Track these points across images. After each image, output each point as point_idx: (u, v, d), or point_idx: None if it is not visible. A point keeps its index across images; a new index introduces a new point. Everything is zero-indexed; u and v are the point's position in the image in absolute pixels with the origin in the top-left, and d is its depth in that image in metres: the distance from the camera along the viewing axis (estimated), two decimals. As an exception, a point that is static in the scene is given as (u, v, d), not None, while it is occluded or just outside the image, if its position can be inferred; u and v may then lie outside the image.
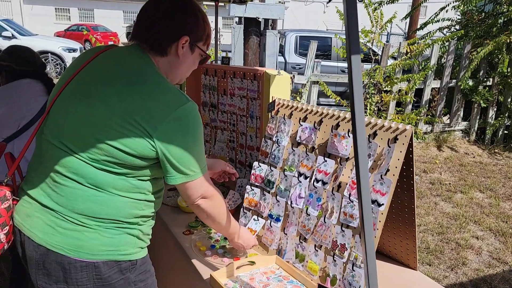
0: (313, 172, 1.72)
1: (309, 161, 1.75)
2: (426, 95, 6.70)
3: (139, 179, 1.30)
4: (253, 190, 1.95)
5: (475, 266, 3.39)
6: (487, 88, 6.92)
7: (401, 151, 1.48)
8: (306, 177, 1.75)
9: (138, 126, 1.22)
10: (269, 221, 1.85)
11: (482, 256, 3.55)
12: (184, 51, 1.37)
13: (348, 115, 1.66)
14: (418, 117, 6.35)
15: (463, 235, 3.86)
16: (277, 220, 1.82)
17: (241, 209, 2.00)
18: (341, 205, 1.59)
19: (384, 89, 6.04)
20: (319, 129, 1.75)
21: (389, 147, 1.50)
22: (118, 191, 1.28)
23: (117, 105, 1.24)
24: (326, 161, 1.68)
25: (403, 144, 1.48)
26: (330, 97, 5.68)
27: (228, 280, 1.62)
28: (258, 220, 1.87)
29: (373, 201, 1.49)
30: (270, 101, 1.99)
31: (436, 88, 6.86)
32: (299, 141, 1.81)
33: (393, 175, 1.48)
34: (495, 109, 7.05)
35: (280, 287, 1.60)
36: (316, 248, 1.63)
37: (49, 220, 1.28)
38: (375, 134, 1.56)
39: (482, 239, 3.83)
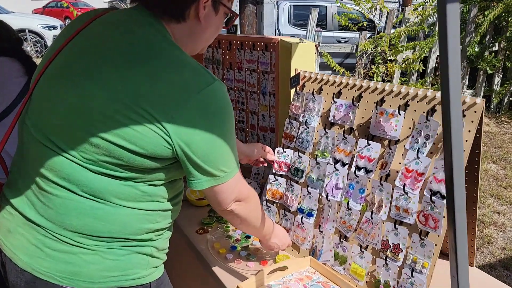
0: (352, 158, 1.44)
1: (347, 145, 1.46)
2: (432, 63, 6.41)
3: (151, 185, 1.01)
4: (277, 180, 1.67)
5: (501, 244, 3.19)
6: (492, 54, 6.64)
7: (469, 131, 1.20)
8: (344, 164, 1.46)
9: (147, 116, 0.91)
10: (299, 216, 1.57)
11: (507, 233, 3.35)
12: (206, 12, 1.04)
13: (396, 88, 1.36)
14: (424, 87, 6.07)
15: (484, 211, 3.65)
16: (309, 215, 1.55)
17: (263, 202, 1.72)
18: (391, 198, 1.31)
19: (389, 58, 5.73)
20: (358, 106, 1.45)
21: (455, 126, 1.21)
22: (123, 201, 0.98)
23: (119, 87, 0.93)
24: (369, 144, 1.39)
25: (472, 121, 1.20)
26: (334, 69, 5.36)
27: (258, 291, 1.36)
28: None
29: (435, 193, 1.22)
30: (293, 74, 1.68)
31: (441, 55, 6.54)
32: (332, 121, 1.52)
33: (460, 160, 1.20)
34: (501, 75, 6.79)
35: (321, 297, 1.34)
36: (362, 249, 1.37)
37: (35, 239, 0.98)
38: (433, 110, 1.27)
39: (503, 214, 3.63)
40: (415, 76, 6.25)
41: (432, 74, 6.47)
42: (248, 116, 2.34)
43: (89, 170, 0.95)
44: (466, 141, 1.20)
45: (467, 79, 6.75)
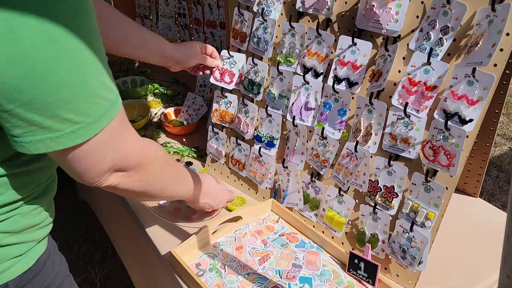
0: (329, 65, 1.00)
1: (321, 45, 1.00)
2: None
3: None
4: (225, 97, 1.22)
5: None
6: None
7: (515, 19, 0.76)
8: (317, 75, 1.02)
9: None
10: (256, 146, 1.17)
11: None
12: None
13: (399, -47, 0.87)
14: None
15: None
16: (270, 145, 1.14)
17: (209, 127, 1.29)
18: (385, 123, 0.91)
19: None
20: (338, -16, 0.96)
21: (493, 10, 0.76)
22: None
23: None
24: (355, 44, 0.94)
25: (520, 3, 0.75)
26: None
27: (201, 256, 0.99)
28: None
29: (452, 115, 0.81)
30: None
31: None
32: (301, 9, 1.03)
33: (495, 66, 0.78)
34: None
35: (288, 257, 0.99)
36: (342, 191, 1.00)
37: None
38: (457, -14, 0.81)
39: None
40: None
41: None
42: (190, 8, 1.79)
43: None
44: (508, 34, 0.77)
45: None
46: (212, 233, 1.02)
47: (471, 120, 0.80)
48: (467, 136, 0.80)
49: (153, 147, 0.72)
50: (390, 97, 0.90)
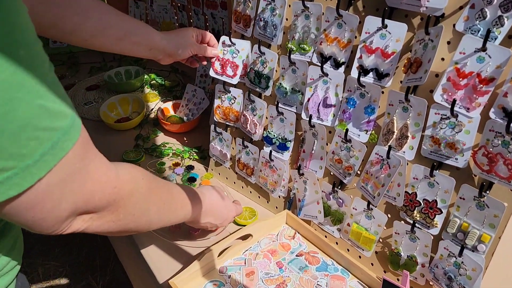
0: (353, 53, 0.82)
1: (342, 28, 0.82)
2: None
3: None
4: (229, 92, 1.05)
5: None
6: None
7: None
8: (338, 64, 0.84)
9: None
10: (266, 149, 1.00)
11: None
12: None
13: None
14: None
15: None
16: (283, 147, 0.97)
17: (211, 126, 1.12)
18: (425, 123, 0.74)
19: None
20: (363, -48, 0.78)
21: None
22: None
23: None
24: (385, 26, 0.76)
25: None
26: None
27: (205, 284, 0.85)
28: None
29: (513, 115, 0.64)
30: None
31: None
32: (316, -15, 0.85)
33: None
34: None
35: (309, 284, 0.84)
36: (371, 206, 0.84)
37: None
38: None
39: None
40: None
41: None
42: (187, -12, 1.59)
43: None
44: None
45: None
46: (218, 256, 0.87)
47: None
48: None
49: (131, 177, 0.55)
50: (432, 91, 0.72)
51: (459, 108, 0.69)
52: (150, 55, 0.93)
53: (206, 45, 1.01)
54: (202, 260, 0.84)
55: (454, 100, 0.69)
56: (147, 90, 1.61)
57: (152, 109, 1.45)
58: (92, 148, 0.46)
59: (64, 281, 1.79)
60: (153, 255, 0.93)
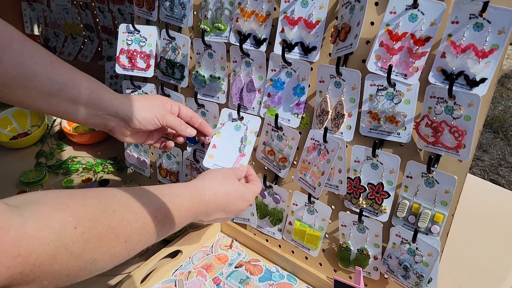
0: (274, 26, 0.72)
1: (259, 0, 0.72)
2: None
3: None
4: (139, 88, 0.90)
5: None
6: None
7: None
8: (259, 42, 0.74)
9: None
10: (190, 149, 0.87)
11: None
12: None
13: None
14: None
15: None
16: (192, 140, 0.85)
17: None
18: (361, 98, 0.65)
19: None
20: None
21: None
22: None
23: None
24: (307, -8, 0.67)
25: None
26: None
27: (128, 317, 0.69)
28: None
29: (456, 75, 0.57)
30: None
31: None
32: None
33: (511, -2, 0.54)
34: None
35: (250, 299, 0.72)
36: (313, 198, 0.74)
37: None
38: None
39: None
40: None
41: None
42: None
43: None
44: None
45: None
46: (141, 283, 0.72)
47: (483, 80, 0.56)
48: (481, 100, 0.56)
49: (50, 232, 0.35)
50: (364, 61, 0.64)
51: (396, 75, 0.61)
52: (96, 122, 0.68)
53: (187, 123, 0.76)
54: (125, 285, 0.69)
55: (390, 67, 0.61)
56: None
57: (55, 120, 1.25)
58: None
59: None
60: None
